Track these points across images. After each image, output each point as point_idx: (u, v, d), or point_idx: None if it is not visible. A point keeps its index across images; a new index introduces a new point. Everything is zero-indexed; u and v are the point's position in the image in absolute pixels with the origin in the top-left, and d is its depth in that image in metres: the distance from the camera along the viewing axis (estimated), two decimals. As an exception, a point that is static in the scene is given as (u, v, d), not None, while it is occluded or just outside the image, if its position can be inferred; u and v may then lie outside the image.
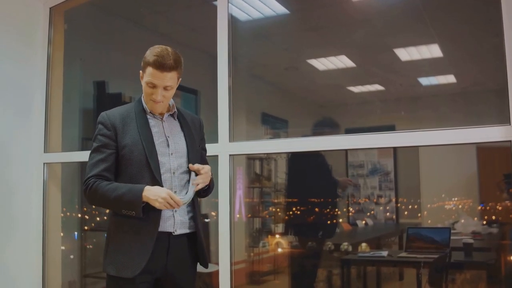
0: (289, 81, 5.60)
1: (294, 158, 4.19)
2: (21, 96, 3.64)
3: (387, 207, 6.10)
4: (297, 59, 5.27)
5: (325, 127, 3.99)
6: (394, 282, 4.82)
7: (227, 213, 2.95)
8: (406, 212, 5.85)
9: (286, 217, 4.64)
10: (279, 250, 5.32)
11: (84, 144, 4.26)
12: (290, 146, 3.09)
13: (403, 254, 3.96)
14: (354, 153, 6.06)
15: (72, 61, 4.19)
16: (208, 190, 2.12)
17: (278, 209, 5.60)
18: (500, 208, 5.03)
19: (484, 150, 4.97)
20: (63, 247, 4.04)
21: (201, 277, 4.19)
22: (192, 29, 4.86)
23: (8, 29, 3.54)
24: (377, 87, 5.31)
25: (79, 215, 4.44)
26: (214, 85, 3.06)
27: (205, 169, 2.04)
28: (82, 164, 3.89)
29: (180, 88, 2.12)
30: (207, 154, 2.28)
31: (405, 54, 4.85)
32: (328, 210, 4.23)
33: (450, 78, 5.16)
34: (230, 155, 2.97)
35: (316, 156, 3.86)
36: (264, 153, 5.28)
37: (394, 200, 6.05)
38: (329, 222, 4.28)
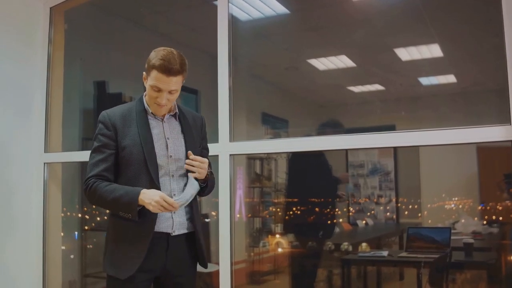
0: (289, 81, 5.60)
1: (295, 158, 4.19)
2: (21, 96, 3.64)
3: (388, 207, 6.10)
4: (297, 59, 5.27)
5: (330, 128, 3.98)
6: (394, 282, 4.81)
7: (227, 213, 2.95)
8: (406, 212, 5.85)
9: (286, 217, 4.63)
10: (279, 250, 5.32)
11: (84, 144, 4.26)
12: (290, 146, 3.09)
13: (404, 254, 3.95)
14: (354, 153, 6.06)
15: (72, 61, 4.18)
16: (206, 188, 2.10)
17: (278, 209, 5.60)
18: (500, 208, 5.03)
19: (484, 150, 4.96)
20: (63, 247, 4.04)
21: (201, 277, 4.19)
22: (192, 29, 4.85)
23: (8, 29, 3.54)
24: (377, 87, 5.31)
25: (80, 215, 4.44)
26: (215, 85, 3.06)
27: (201, 159, 2.00)
28: (83, 164, 3.90)
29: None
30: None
31: (405, 54, 4.84)
32: (328, 210, 4.23)
33: (450, 78, 5.16)
34: (230, 155, 2.97)
35: (316, 156, 3.85)
36: (265, 153, 5.27)
37: (394, 200, 6.05)
38: (329, 222, 4.28)
